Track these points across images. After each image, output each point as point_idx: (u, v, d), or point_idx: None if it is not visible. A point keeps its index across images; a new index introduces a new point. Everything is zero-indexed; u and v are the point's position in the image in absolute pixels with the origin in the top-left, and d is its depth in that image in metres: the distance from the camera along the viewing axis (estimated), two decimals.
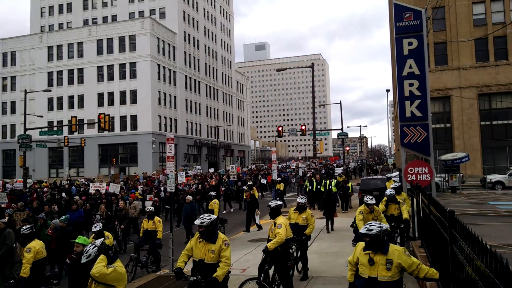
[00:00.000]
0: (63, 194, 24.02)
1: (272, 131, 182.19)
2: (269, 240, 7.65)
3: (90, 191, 22.79)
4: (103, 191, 21.23)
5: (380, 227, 4.67)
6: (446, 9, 34.52)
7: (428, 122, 12.21)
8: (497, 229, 13.81)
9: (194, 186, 26.77)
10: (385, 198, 10.22)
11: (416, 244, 9.79)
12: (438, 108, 36.22)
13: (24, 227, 8.11)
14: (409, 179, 11.68)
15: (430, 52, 34.32)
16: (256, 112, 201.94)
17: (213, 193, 16.26)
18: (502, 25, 33.05)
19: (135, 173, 44.24)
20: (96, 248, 5.12)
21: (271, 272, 7.65)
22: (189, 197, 15.74)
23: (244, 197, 18.18)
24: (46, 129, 39.73)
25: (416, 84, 12.25)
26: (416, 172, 11.63)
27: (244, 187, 21.11)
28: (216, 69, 75.17)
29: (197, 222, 5.93)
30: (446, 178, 28.02)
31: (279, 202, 8.10)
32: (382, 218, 8.97)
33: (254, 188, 19.72)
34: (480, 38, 33.82)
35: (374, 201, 8.98)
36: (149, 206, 12.07)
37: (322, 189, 20.67)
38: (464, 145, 34.69)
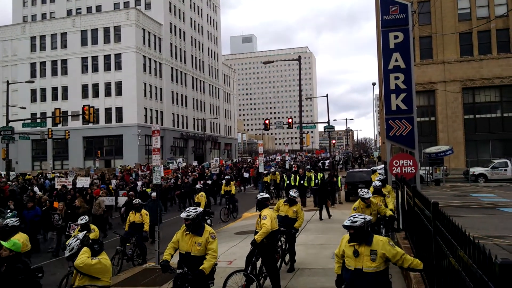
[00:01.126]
0: (36, 189, 22.61)
1: (259, 124, 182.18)
2: (256, 233, 7.69)
3: (56, 186, 21.05)
4: (70, 186, 19.60)
5: (363, 218, 4.73)
6: (431, 3, 34.80)
7: (413, 115, 12.32)
8: (480, 220, 14.07)
9: (173, 180, 25.69)
10: (371, 190, 10.31)
11: (401, 236, 9.91)
12: (423, 102, 36.63)
13: (10, 220, 7.98)
14: (394, 171, 11.79)
15: (416, 46, 34.64)
16: (243, 105, 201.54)
17: (200, 186, 16.13)
18: (486, 20, 33.46)
19: (120, 166, 43.88)
20: (78, 241, 5.07)
21: (258, 264, 7.69)
22: (153, 194, 14.34)
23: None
24: (29, 121, 39.12)
25: (401, 77, 12.33)
26: (401, 164, 11.75)
27: (223, 181, 20.49)
28: (203, 61, 74.68)
29: (183, 215, 5.94)
30: (430, 171, 28.41)
31: (266, 195, 8.16)
32: (382, 209, 8.63)
33: (231, 183, 19.40)
34: (464, 32, 34.21)
35: (370, 195, 8.48)
36: (137, 200, 11.96)
37: (306, 184, 20.29)
38: (448, 138, 35.18)
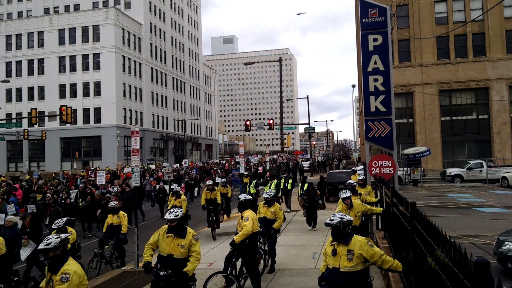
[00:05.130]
0: None
1: (240, 125, 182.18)
2: (237, 233, 7.67)
3: None
4: None
5: (341, 218, 4.78)
6: (409, 6, 35.41)
7: (391, 117, 12.50)
8: (456, 220, 14.37)
9: (116, 189, 19.71)
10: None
11: (379, 236, 10.03)
12: (401, 104, 37.23)
13: None
14: (373, 172, 11.94)
15: (394, 49, 35.17)
16: (224, 106, 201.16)
17: (177, 188, 15.61)
18: (462, 23, 34.23)
19: (98, 167, 43.20)
20: (59, 239, 4.54)
21: (238, 264, 7.67)
22: (12, 218, 10.10)
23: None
24: (4, 122, 38.15)
25: (380, 79, 12.49)
26: (380, 165, 11.90)
27: (172, 187, 15.02)
28: (183, 62, 74.21)
29: (168, 216, 5.85)
30: (408, 172, 28.88)
31: (248, 196, 8.14)
32: (369, 209, 8.45)
33: (181, 194, 14.79)
34: (441, 36, 34.93)
35: (348, 194, 8.13)
36: (113, 202, 11.73)
37: (253, 191, 17.71)
38: (426, 139, 35.84)
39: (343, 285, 4.64)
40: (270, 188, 15.98)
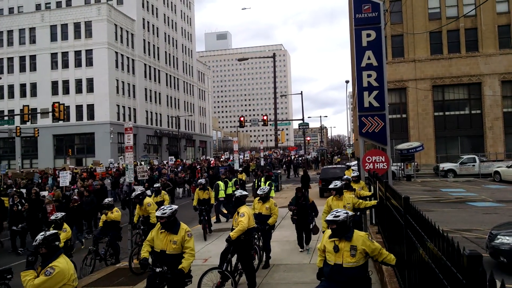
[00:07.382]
0: None
1: (234, 121, 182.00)
2: (233, 229, 7.68)
3: None
4: None
5: (346, 213, 4.79)
6: (402, 2, 35.47)
7: (385, 112, 12.53)
8: (449, 214, 14.47)
9: (76, 191, 17.00)
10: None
11: (373, 230, 10.08)
12: (394, 99, 37.36)
13: None
14: (367, 167, 11.98)
15: (388, 45, 35.26)
16: (218, 102, 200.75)
17: (159, 184, 15.16)
18: (455, 18, 34.33)
19: (91, 164, 42.99)
20: (42, 237, 4.63)
21: (233, 260, 7.68)
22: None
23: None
24: None
25: (374, 75, 12.51)
26: (373, 161, 11.94)
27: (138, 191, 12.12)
28: (177, 58, 73.89)
29: (158, 213, 5.87)
30: (402, 167, 29.03)
31: (244, 192, 8.15)
32: (360, 203, 8.61)
33: (164, 196, 12.85)
34: (434, 31, 35.03)
35: (336, 185, 8.42)
36: (107, 199, 11.65)
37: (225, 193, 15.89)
38: (419, 134, 36.03)
39: (347, 281, 4.65)
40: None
